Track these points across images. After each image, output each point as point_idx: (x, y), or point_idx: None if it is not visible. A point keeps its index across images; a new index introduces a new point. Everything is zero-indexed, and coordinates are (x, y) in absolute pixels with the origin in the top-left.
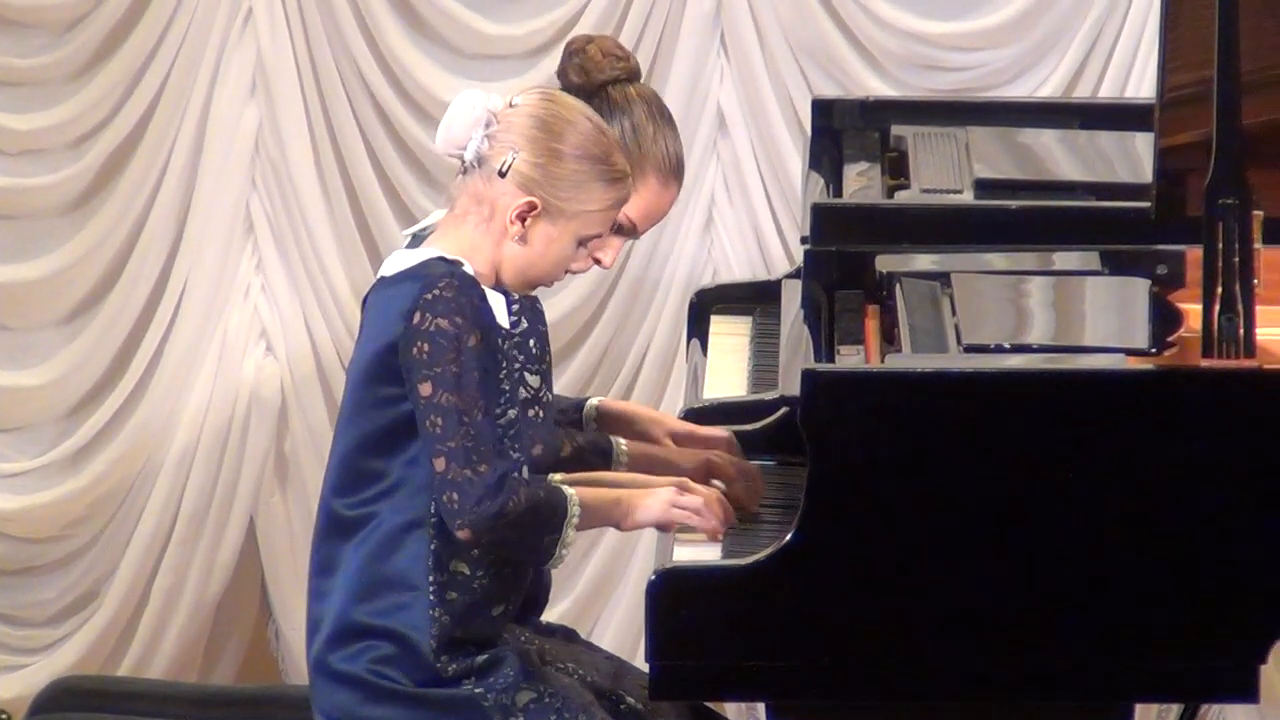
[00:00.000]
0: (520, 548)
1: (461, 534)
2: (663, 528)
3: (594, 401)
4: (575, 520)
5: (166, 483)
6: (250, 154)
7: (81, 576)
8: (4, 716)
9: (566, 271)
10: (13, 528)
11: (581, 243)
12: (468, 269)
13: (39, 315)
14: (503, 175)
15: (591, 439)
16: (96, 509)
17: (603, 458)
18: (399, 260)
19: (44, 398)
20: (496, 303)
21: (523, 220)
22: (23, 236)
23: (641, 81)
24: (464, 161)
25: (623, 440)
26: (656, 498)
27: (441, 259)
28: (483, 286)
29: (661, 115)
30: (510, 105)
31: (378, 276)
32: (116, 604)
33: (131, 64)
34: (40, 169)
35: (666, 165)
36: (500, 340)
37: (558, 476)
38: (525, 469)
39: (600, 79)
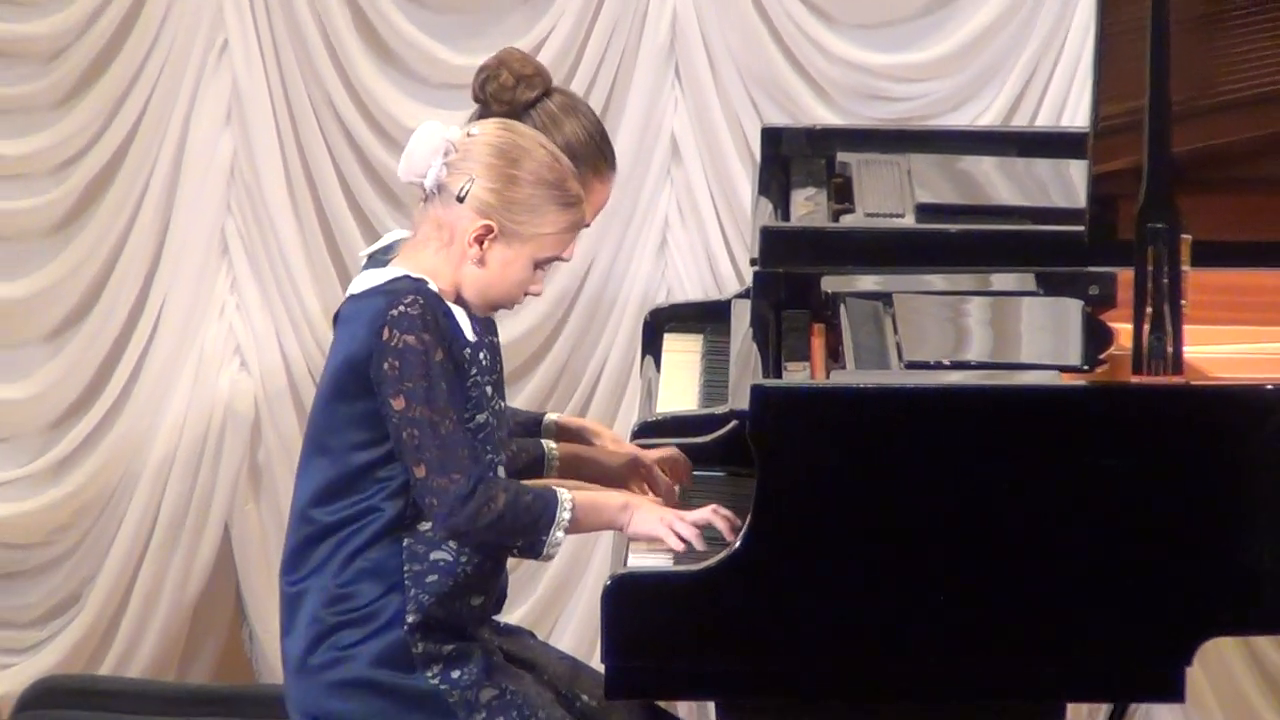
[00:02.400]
0: (502, 546)
1: (443, 535)
2: (654, 540)
3: (552, 417)
4: (565, 523)
5: (145, 491)
6: (225, 179)
7: (65, 580)
8: None
9: (524, 294)
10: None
11: (538, 265)
12: (432, 286)
13: (24, 332)
14: (461, 200)
15: (525, 445)
16: (79, 516)
17: (536, 462)
18: (366, 279)
19: (29, 410)
20: (461, 316)
21: (480, 243)
22: (8, 257)
23: (565, 90)
24: (425, 189)
25: (553, 444)
26: (656, 513)
27: (407, 277)
28: (447, 302)
29: (578, 111)
30: (469, 135)
31: (347, 294)
32: (98, 606)
33: (112, 93)
34: (25, 192)
35: (600, 159)
36: (465, 351)
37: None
38: (501, 469)
39: (523, 100)
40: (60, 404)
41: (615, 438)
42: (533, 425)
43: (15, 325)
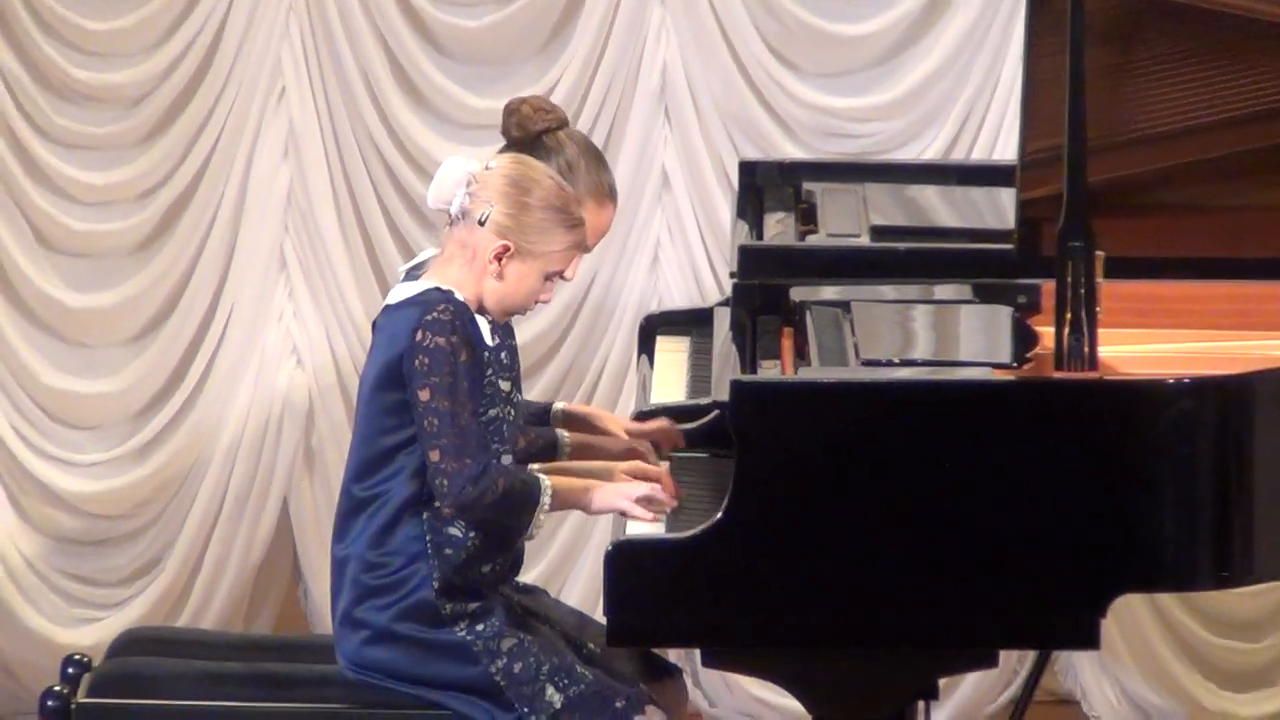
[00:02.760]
0: (498, 524)
1: (448, 512)
2: (620, 512)
3: (560, 405)
4: (547, 505)
5: (215, 471)
6: (283, 205)
7: (147, 547)
8: (85, 660)
9: (536, 301)
10: (91, 507)
11: (548, 278)
12: (459, 296)
13: (112, 335)
14: (482, 224)
15: (541, 433)
16: (159, 492)
17: (551, 447)
18: (402, 291)
19: (116, 402)
20: (483, 324)
21: (499, 260)
22: (98, 272)
23: (573, 127)
24: (450, 215)
25: (565, 433)
26: (615, 490)
27: (437, 289)
28: (472, 310)
29: (589, 151)
30: (487, 168)
31: (384, 305)
32: (176, 569)
33: (187, 131)
34: (113, 217)
35: (600, 190)
36: (485, 354)
37: (536, 466)
38: (507, 457)
39: (536, 129)
40: (143, 397)
41: (614, 418)
42: (543, 413)
43: (105, 330)
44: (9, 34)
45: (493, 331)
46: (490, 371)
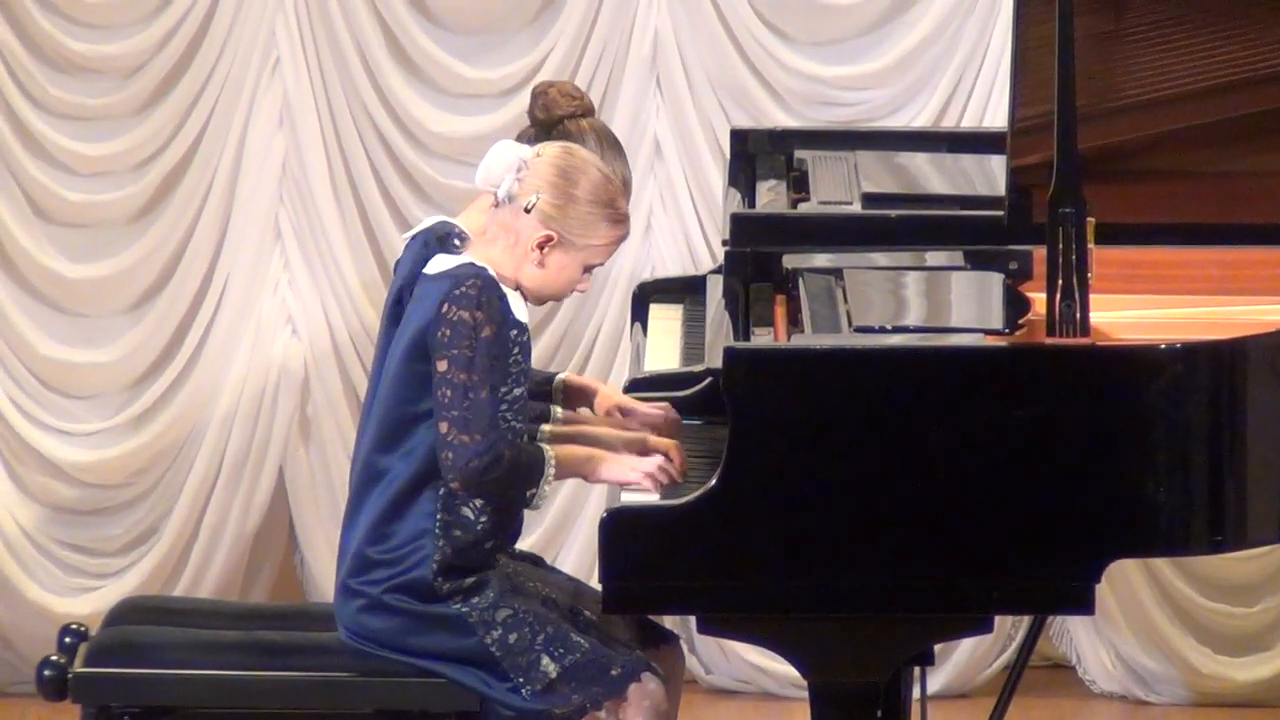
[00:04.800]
0: (503, 498)
1: (453, 485)
2: (629, 485)
3: (562, 376)
4: (551, 476)
5: (212, 439)
6: (278, 175)
7: (144, 516)
8: (82, 629)
9: (573, 291)
10: (88, 476)
11: (587, 269)
12: (491, 273)
13: (109, 305)
14: (528, 211)
15: (533, 405)
16: (156, 461)
17: (540, 417)
18: (440, 263)
19: (113, 371)
20: (515, 299)
21: (541, 249)
22: (95, 242)
23: (594, 116)
24: (496, 197)
25: (559, 409)
26: (625, 462)
27: (471, 264)
28: (504, 287)
29: (610, 142)
30: (537, 155)
31: (421, 273)
32: (172, 538)
33: (182, 102)
34: (109, 187)
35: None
36: (513, 333)
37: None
38: (524, 436)
39: (559, 114)
40: (139, 366)
41: (609, 393)
42: (545, 384)
43: (101, 299)
44: (4, 6)
45: (525, 308)
46: (516, 350)
